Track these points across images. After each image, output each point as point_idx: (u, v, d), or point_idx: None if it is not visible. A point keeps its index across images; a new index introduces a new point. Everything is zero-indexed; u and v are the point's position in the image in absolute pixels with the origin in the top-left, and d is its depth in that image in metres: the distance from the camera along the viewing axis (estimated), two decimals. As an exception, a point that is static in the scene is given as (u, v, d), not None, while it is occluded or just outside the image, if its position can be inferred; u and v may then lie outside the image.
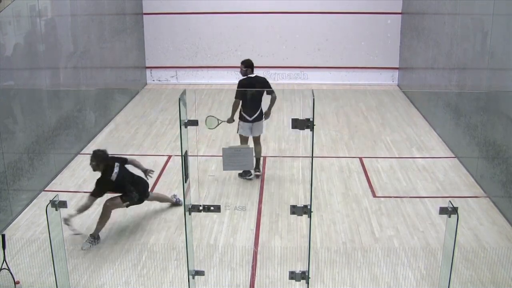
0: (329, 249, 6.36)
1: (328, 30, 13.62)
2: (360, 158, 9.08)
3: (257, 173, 8.33)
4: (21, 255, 6.25)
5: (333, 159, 9.05)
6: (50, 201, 4.55)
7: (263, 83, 8.15)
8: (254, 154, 8.08)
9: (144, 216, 7.14)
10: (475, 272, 5.88)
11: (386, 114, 11.46)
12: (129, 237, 6.69)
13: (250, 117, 8.13)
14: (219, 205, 4.80)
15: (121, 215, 7.07)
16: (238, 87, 8.13)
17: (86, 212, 7.20)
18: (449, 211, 4.41)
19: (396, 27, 13.42)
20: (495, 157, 7.47)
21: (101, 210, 6.60)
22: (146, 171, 7.10)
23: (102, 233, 6.62)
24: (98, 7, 10.65)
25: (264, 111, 8.27)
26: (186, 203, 4.65)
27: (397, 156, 9.18)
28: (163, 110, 11.80)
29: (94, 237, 6.50)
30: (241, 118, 8.17)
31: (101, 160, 6.58)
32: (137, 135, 10.26)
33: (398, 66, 13.66)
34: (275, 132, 10.37)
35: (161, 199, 7.34)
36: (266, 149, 9.50)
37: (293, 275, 4.97)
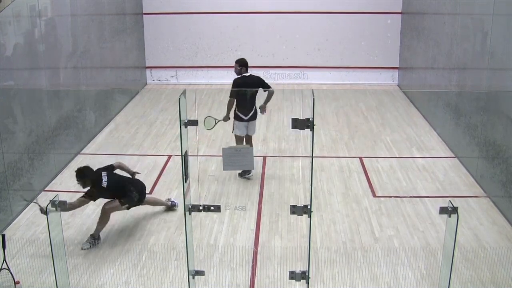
0: (329, 249, 6.36)
1: (328, 30, 13.62)
2: (360, 158, 9.08)
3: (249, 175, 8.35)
4: (21, 255, 6.25)
5: (333, 159, 9.05)
6: (50, 201, 4.55)
7: (258, 82, 8.21)
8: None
9: (144, 216, 7.14)
10: (475, 272, 5.88)
11: (386, 114, 11.46)
12: (129, 237, 6.69)
13: (246, 116, 8.18)
14: (219, 205, 4.80)
15: (121, 215, 7.06)
16: (233, 86, 8.16)
17: (86, 212, 7.23)
18: (449, 211, 4.41)
19: (396, 27, 13.42)
20: (495, 157, 7.47)
21: (100, 211, 6.60)
22: (133, 174, 7.00)
23: (102, 233, 6.62)
24: (98, 7, 10.65)
25: (260, 106, 8.33)
26: (186, 203, 4.65)
27: (397, 156, 9.18)
28: (163, 110, 11.80)
29: (94, 238, 6.49)
30: (236, 117, 8.21)
31: (84, 176, 6.48)
32: (137, 135, 10.26)
33: (398, 66, 13.66)
34: (275, 132, 10.38)
35: (154, 202, 7.23)
36: (266, 149, 9.51)
37: (293, 275, 4.97)
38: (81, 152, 9.35)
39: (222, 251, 6.37)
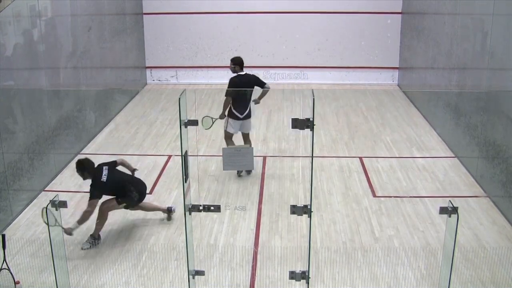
0: (329, 249, 6.36)
1: (328, 30, 13.62)
2: (360, 158, 9.08)
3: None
4: (21, 255, 6.25)
5: (333, 159, 9.05)
6: (50, 201, 4.55)
7: (254, 81, 8.29)
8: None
9: (144, 216, 7.13)
10: (475, 272, 5.88)
11: (386, 114, 11.46)
12: (129, 237, 6.69)
13: (241, 114, 8.25)
14: (219, 205, 4.80)
15: (121, 215, 7.06)
16: (229, 85, 8.22)
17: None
18: (449, 211, 4.41)
19: (396, 27, 13.42)
20: (495, 157, 7.47)
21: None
22: (133, 171, 6.97)
23: (102, 233, 6.62)
24: (98, 7, 10.65)
25: (255, 105, 8.43)
26: (186, 203, 4.65)
27: (397, 156, 9.18)
28: (163, 110, 11.80)
29: (94, 238, 6.49)
30: (232, 115, 8.25)
31: (83, 168, 6.49)
32: (137, 135, 10.26)
33: (398, 66, 13.66)
34: (275, 132, 10.38)
35: (149, 208, 7.01)
36: (266, 149, 9.51)
37: (293, 275, 4.97)
38: (81, 152, 9.34)
39: (222, 251, 6.37)
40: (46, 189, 7.96)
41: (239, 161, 4.92)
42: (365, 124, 10.83)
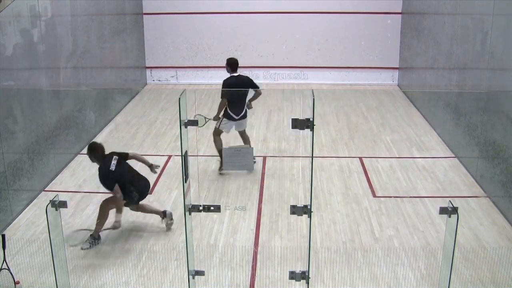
0: (329, 249, 6.36)
1: (328, 30, 13.61)
2: (360, 158, 9.08)
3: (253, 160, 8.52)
4: (21, 255, 6.25)
5: (333, 159, 9.05)
6: (50, 201, 4.55)
7: (248, 82, 8.37)
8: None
9: (144, 216, 7.13)
10: (475, 272, 5.88)
11: (386, 114, 11.46)
12: (129, 237, 6.69)
13: (237, 115, 8.33)
14: (219, 205, 4.80)
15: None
16: (223, 87, 8.27)
17: (86, 212, 7.23)
18: (449, 211, 4.41)
19: (396, 27, 13.42)
20: (495, 157, 7.47)
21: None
22: (151, 166, 6.92)
23: (102, 233, 6.61)
24: (98, 7, 10.65)
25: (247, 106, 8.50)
26: (186, 203, 4.65)
27: (397, 156, 9.18)
28: (163, 110, 11.80)
29: (94, 238, 6.49)
30: (227, 116, 8.31)
31: (94, 150, 6.52)
32: (137, 135, 10.26)
33: (398, 66, 13.66)
34: (275, 132, 10.38)
35: (146, 210, 6.89)
36: (266, 149, 9.51)
37: (293, 275, 4.97)
38: (81, 152, 9.34)
39: (222, 251, 6.37)
40: (46, 189, 7.97)
41: (239, 161, 4.92)
42: (365, 124, 10.83)
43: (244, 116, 8.44)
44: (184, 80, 14.08)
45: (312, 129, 4.41)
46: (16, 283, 5.46)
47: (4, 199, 6.93)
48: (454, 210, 4.37)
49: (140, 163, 6.98)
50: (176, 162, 8.84)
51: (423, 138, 10.00)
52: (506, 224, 6.90)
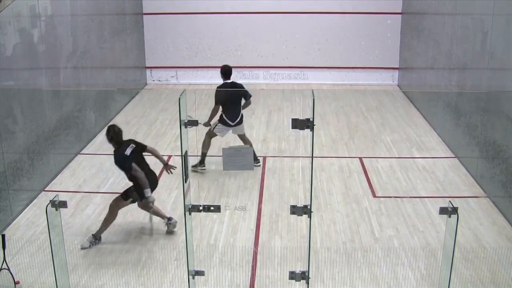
0: (329, 249, 6.36)
1: (328, 30, 13.62)
2: (360, 158, 9.08)
3: (258, 164, 8.65)
4: (21, 255, 6.25)
5: (333, 159, 9.05)
6: (50, 201, 4.55)
7: (241, 89, 8.45)
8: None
9: (144, 216, 7.13)
10: (475, 272, 5.88)
11: (386, 114, 11.46)
12: (129, 237, 6.69)
13: (233, 121, 8.42)
14: (219, 205, 4.80)
15: (121, 215, 7.04)
16: (218, 93, 8.35)
17: (86, 212, 7.24)
18: (449, 211, 4.41)
19: (396, 27, 13.42)
20: (495, 157, 7.47)
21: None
22: (166, 166, 6.88)
23: (103, 233, 6.61)
24: (98, 7, 10.65)
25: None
26: (186, 203, 4.65)
27: (397, 156, 9.18)
28: (163, 110, 11.79)
29: (96, 238, 6.48)
30: (223, 122, 8.40)
31: (113, 132, 6.50)
32: (137, 135, 10.24)
33: (398, 66, 13.66)
34: (275, 132, 10.38)
35: (154, 211, 6.80)
36: (266, 149, 9.51)
37: (293, 275, 4.97)
38: (81, 152, 9.35)
39: (222, 251, 6.37)
40: (46, 189, 7.96)
41: (239, 161, 4.91)
42: (365, 124, 10.83)
43: (240, 122, 8.49)
44: (184, 80, 14.08)
45: (312, 129, 4.41)
46: (16, 283, 5.46)
47: (4, 199, 6.93)
48: (454, 210, 4.37)
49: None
50: (176, 162, 8.81)
51: (423, 138, 10.00)
52: (506, 224, 6.90)
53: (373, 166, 8.77)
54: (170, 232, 6.76)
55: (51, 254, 4.70)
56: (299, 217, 6.29)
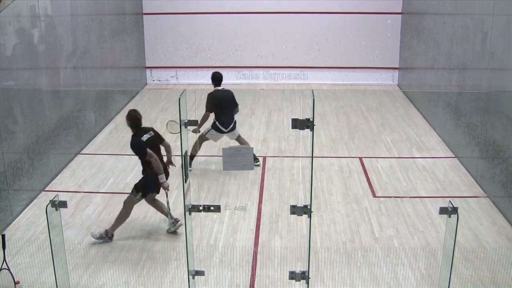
0: (329, 249, 6.36)
1: (328, 30, 13.62)
2: (360, 158, 9.08)
3: (257, 164, 8.63)
4: (21, 255, 6.25)
5: (333, 159, 9.05)
6: (50, 201, 4.55)
7: (232, 96, 8.47)
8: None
9: (144, 216, 7.13)
10: (475, 272, 5.88)
11: (386, 114, 11.46)
12: (129, 237, 6.69)
13: (226, 128, 8.43)
14: (219, 205, 4.80)
15: (121, 215, 7.06)
16: (209, 101, 8.34)
17: (86, 212, 7.24)
18: (449, 211, 4.41)
19: (396, 27, 13.42)
20: (495, 157, 7.47)
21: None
22: (169, 162, 6.92)
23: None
24: (98, 7, 10.65)
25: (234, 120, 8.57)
26: (186, 203, 4.65)
27: (397, 156, 9.18)
28: (163, 110, 11.79)
29: (107, 234, 6.47)
30: (216, 128, 8.40)
31: (132, 118, 6.65)
32: (137, 135, 10.24)
33: (398, 66, 13.66)
34: (275, 132, 10.38)
35: (158, 207, 6.84)
36: (266, 149, 9.51)
37: (293, 275, 4.97)
38: (81, 152, 9.35)
39: (222, 251, 6.37)
40: (46, 189, 7.96)
41: (239, 161, 4.91)
42: (365, 124, 10.83)
43: (233, 128, 8.49)
44: (184, 80, 14.08)
45: (312, 129, 4.41)
46: (16, 283, 5.46)
47: (4, 199, 6.93)
48: (454, 210, 4.37)
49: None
50: (176, 162, 8.82)
51: (423, 138, 10.00)
52: (506, 224, 6.90)
53: (373, 166, 8.77)
54: (172, 232, 6.76)
55: (51, 254, 4.71)
56: (299, 217, 6.31)
